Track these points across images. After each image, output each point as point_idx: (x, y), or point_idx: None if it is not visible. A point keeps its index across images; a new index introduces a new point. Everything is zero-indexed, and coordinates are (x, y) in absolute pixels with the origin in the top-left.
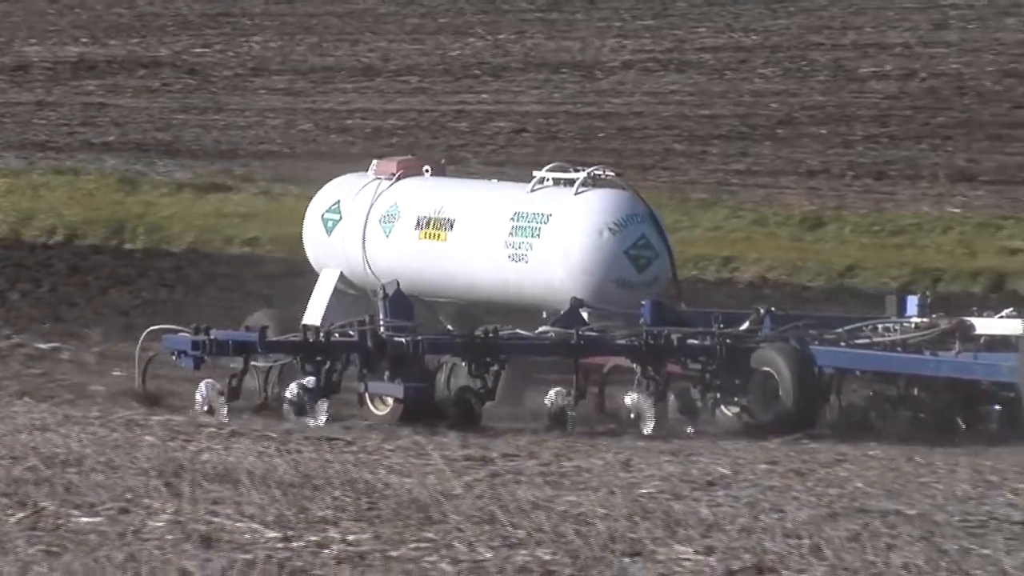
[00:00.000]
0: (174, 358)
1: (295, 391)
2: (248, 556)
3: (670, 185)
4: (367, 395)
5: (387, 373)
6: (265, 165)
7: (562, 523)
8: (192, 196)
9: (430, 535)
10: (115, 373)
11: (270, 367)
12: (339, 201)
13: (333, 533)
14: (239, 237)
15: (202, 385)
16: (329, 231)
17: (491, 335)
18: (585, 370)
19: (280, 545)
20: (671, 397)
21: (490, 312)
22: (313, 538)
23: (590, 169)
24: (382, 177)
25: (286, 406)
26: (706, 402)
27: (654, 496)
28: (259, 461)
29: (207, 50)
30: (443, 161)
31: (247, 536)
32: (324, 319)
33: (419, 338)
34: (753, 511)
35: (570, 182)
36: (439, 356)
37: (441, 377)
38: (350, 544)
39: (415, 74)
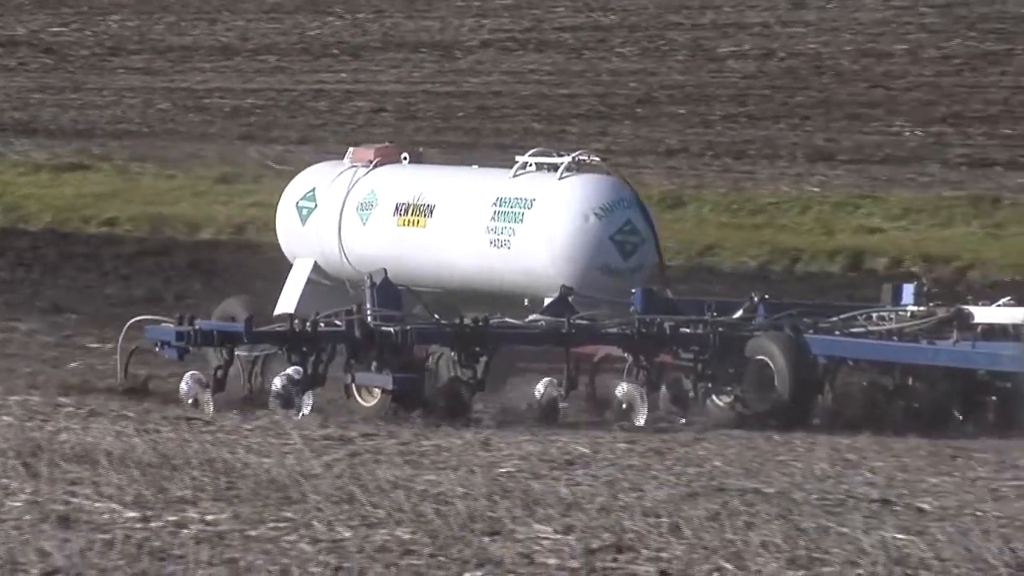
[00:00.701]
0: (157, 349)
1: (282, 383)
2: (107, 536)
3: None
4: (354, 386)
5: (375, 364)
6: (123, 144)
7: (421, 502)
8: (50, 176)
9: (289, 515)
10: None
11: (255, 358)
12: (314, 189)
13: (192, 513)
14: (97, 217)
15: (186, 377)
16: (304, 219)
17: (481, 324)
18: (575, 360)
19: (139, 525)
20: (662, 388)
21: (468, 300)
22: (172, 518)
23: (574, 154)
24: (359, 165)
25: (272, 398)
26: (698, 392)
27: (513, 475)
28: (118, 441)
29: (64, 29)
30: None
31: (106, 516)
32: (297, 309)
33: (408, 327)
34: (612, 490)
35: (554, 167)
36: (427, 346)
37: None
38: (209, 524)
39: (273, 53)
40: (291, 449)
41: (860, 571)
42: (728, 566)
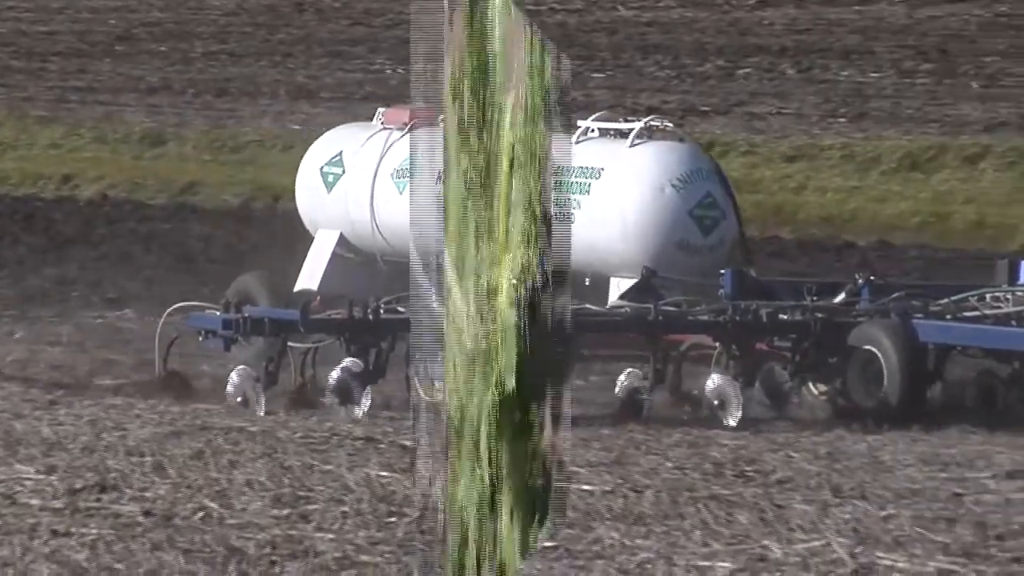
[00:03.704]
0: (201, 339)
1: (339, 376)
2: None
3: (8, 102)
4: (416, 380)
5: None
6: None
7: None
8: None
9: None
10: None
11: (308, 349)
12: (341, 153)
13: None
14: None
15: (234, 373)
16: (329, 187)
17: None
18: (663, 349)
19: None
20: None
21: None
22: None
23: (646, 119)
24: (392, 127)
25: (329, 393)
26: (794, 385)
27: None
28: None
29: None
30: None
31: None
32: (321, 285)
33: None
34: (95, 429)
35: (622, 133)
36: None
37: None
38: None
39: None
40: None
41: (345, 508)
42: (213, 505)
